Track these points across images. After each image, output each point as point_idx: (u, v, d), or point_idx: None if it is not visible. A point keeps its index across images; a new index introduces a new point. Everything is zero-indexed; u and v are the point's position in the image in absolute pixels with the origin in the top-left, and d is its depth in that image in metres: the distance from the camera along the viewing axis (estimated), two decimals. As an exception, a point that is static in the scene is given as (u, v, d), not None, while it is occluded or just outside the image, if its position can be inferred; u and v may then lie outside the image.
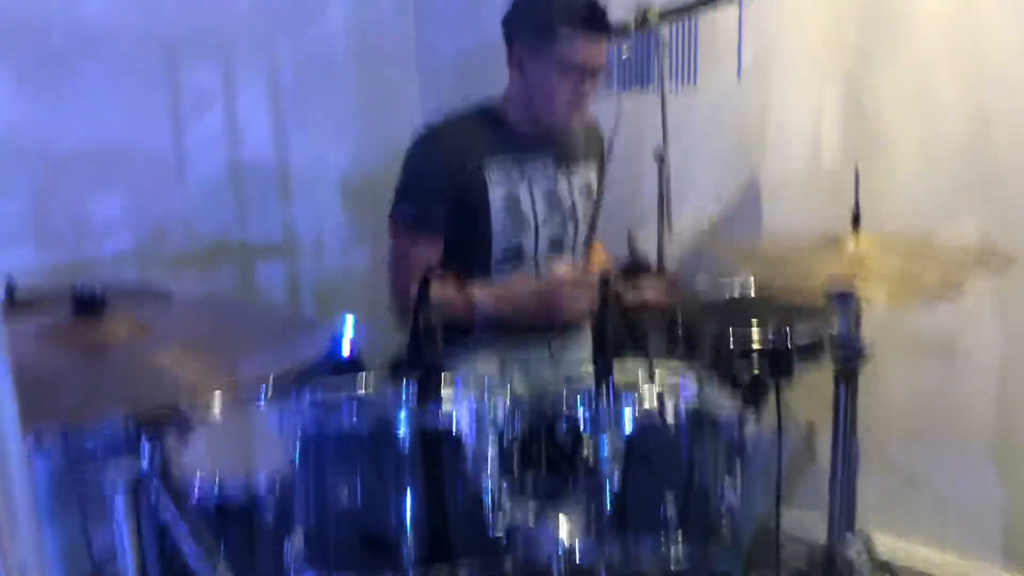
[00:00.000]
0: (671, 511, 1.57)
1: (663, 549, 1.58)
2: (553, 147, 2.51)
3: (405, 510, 1.54)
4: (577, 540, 1.52)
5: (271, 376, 1.51)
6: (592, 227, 2.68)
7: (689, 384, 1.66)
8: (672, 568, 1.58)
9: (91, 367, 1.46)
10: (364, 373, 1.78)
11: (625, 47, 2.77)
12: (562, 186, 2.52)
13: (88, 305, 1.50)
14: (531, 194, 2.47)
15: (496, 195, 2.42)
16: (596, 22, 2.34)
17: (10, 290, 2.15)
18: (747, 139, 2.98)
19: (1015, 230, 2.47)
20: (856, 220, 2.15)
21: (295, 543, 1.60)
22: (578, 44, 2.33)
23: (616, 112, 2.62)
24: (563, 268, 2.38)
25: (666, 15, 2.62)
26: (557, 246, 2.53)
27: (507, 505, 1.56)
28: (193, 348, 1.54)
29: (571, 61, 2.33)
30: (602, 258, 2.76)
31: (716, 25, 2.77)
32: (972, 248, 2.27)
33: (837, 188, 2.27)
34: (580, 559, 1.55)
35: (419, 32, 3.64)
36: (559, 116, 2.42)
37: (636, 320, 2.24)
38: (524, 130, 2.47)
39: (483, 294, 2.39)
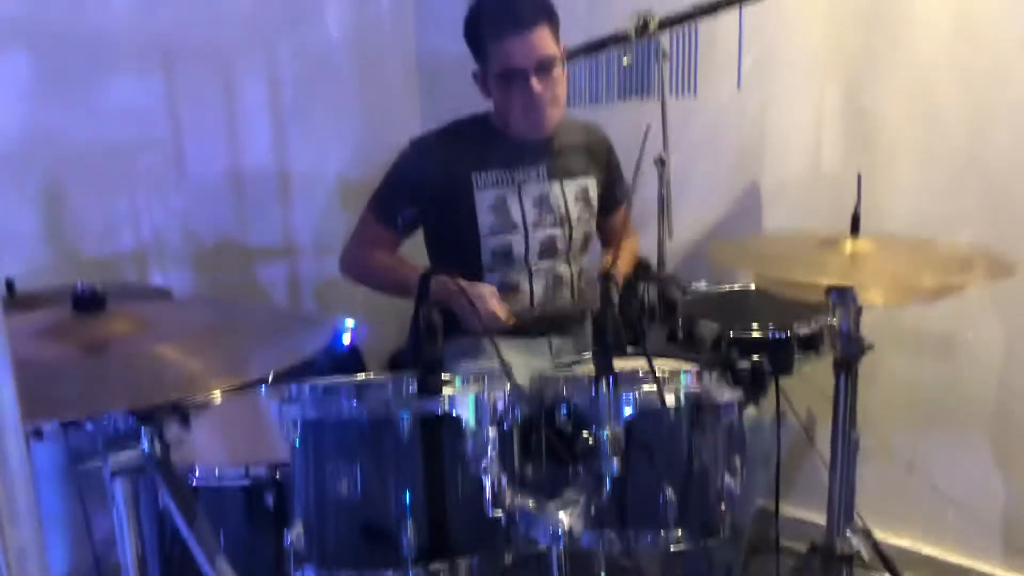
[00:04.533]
0: (671, 499, 1.57)
1: (663, 536, 1.58)
2: (546, 154, 2.52)
3: (405, 499, 1.54)
4: (577, 527, 1.52)
5: (271, 371, 1.51)
6: (611, 227, 2.71)
7: (689, 375, 1.66)
8: (671, 555, 1.58)
9: (91, 364, 1.46)
10: (363, 375, 1.79)
11: (626, 56, 2.77)
12: (555, 192, 2.53)
13: (88, 303, 1.50)
14: (520, 199, 2.48)
15: (483, 200, 2.45)
16: (523, 22, 2.31)
17: (10, 288, 2.16)
18: (747, 145, 2.98)
19: (1015, 234, 2.47)
20: (855, 225, 2.15)
21: (294, 532, 1.60)
22: (510, 50, 2.31)
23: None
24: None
25: (666, 23, 2.63)
26: (549, 251, 2.54)
27: (507, 492, 1.55)
28: (193, 344, 1.54)
29: (509, 69, 2.33)
30: (632, 254, 2.75)
31: (716, 32, 2.77)
32: (972, 255, 2.27)
33: (837, 193, 2.27)
34: (580, 546, 1.55)
35: (419, 35, 3.66)
36: (524, 124, 2.41)
37: (636, 316, 2.27)
38: (515, 138, 2.47)
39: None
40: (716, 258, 2.47)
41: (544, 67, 2.34)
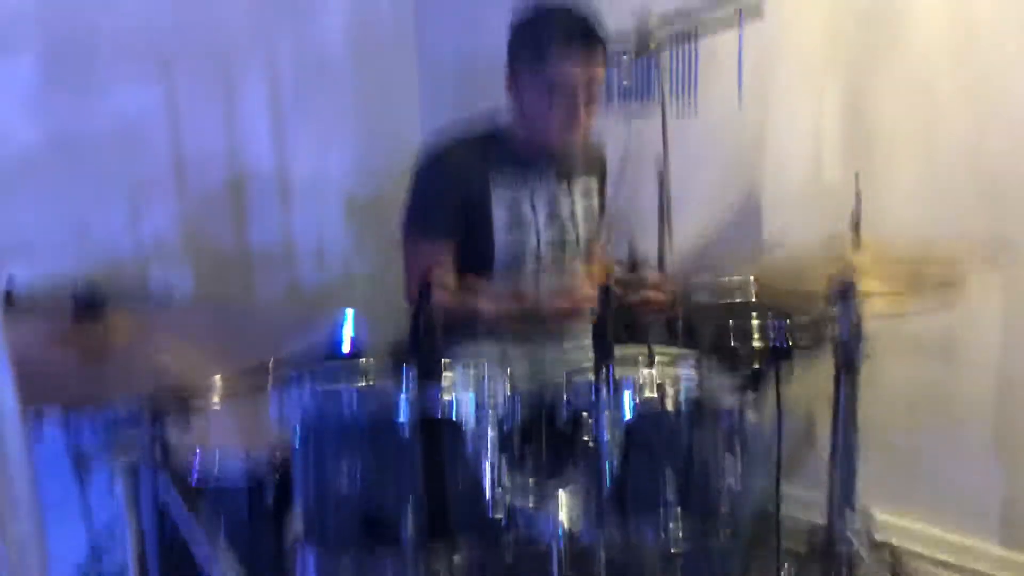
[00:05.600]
0: (671, 494, 1.57)
1: (663, 531, 1.58)
2: (555, 163, 2.52)
3: (405, 498, 1.53)
4: (577, 522, 1.52)
5: (271, 367, 1.52)
6: (596, 239, 2.69)
7: (689, 370, 1.66)
8: (672, 550, 1.58)
9: (91, 366, 1.47)
10: (364, 360, 1.78)
11: (625, 72, 2.78)
12: (563, 200, 2.54)
13: (88, 306, 1.50)
14: (533, 207, 2.49)
15: (499, 208, 2.45)
16: (584, 38, 2.33)
17: (10, 292, 2.16)
18: (747, 152, 2.99)
19: (1014, 234, 2.48)
20: (856, 229, 2.16)
21: (295, 525, 1.60)
22: (569, 64, 2.32)
23: (625, 139, 2.62)
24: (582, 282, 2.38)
25: (665, 42, 2.64)
26: (559, 259, 2.54)
27: (507, 488, 1.55)
28: (192, 344, 1.55)
29: (563, 82, 2.32)
30: (604, 264, 2.76)
31: (716, 43, 2.78)
32: (972, 250, 2.27)
33: (837, 199, 2.27)
34: (580, 541, 1.55)
35: (420, 37, 3.67)
36: (556, 138, 2.41)
37: (636, 317, 2.27)
38: (527, 147, 2.48)
39: (492, 296, 2.42)
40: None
41: (593, 91, 2.38)
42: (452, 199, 2.43)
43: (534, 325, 2.46)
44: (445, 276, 2.41)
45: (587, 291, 2.34)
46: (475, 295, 2.40)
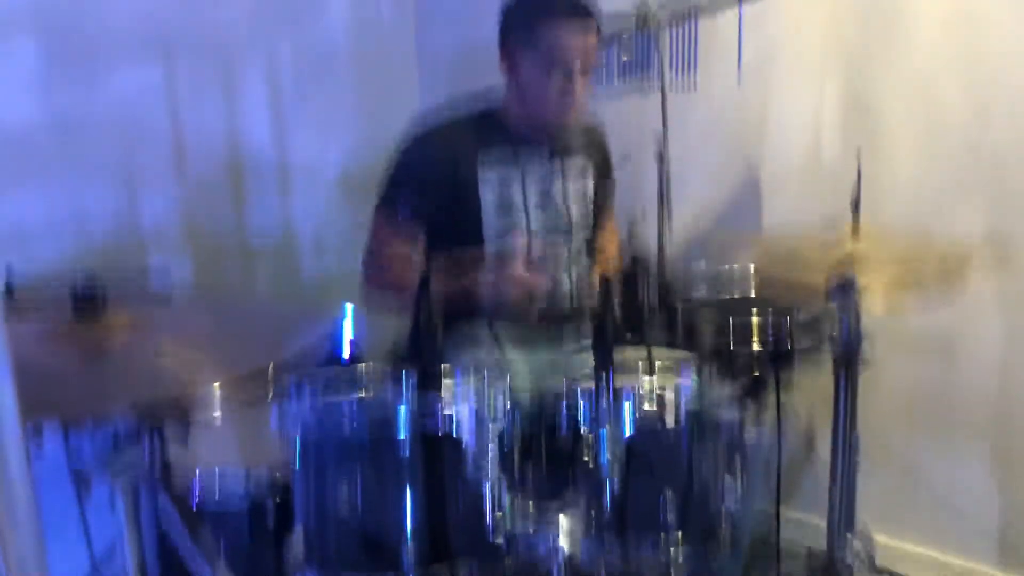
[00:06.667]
0: (671, 513, 1.57)
1: (663, 552, 1.58)
2: (550, 145, 2.51)
3: (405, 513, 1.54)
4: (577, 543, 1.52)
5: (271, 369, 1.51)
6: (598, 225, 2.68)
7: (688, 377, 1.65)
8: (672, 571, 1.58)
9: (91, 364, 1.46)
10: (363, 364, 1.78)
11: (625, 50, 2.76)
12: (556, 184, 2.53)
13: (87, 304, 1.50)
14: (524, 191, 2.48)
15: (487, 191, 2.44)
16: (580, 11, 2.35)
17: (9, 287, 2.15)
18: (747, 137, 2.98)
19: (1014, 226, 2.47)
20: (856, 208, 2.14)
21: (294, 543, 1.60)
22: (563, 35, 2.33)
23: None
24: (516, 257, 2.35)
25: (666, 19, 2.63)
26: (551, 241, 2.53)
27: (507, 507, 1.55)
28: (192, 343, 1.54)
29: (558, 53, 2.33)
30: (613, 251, 2.75)
31: (717, 24, 2.76)
32: (971, 246, 2.26)
33: (837, 186, 2.26)
34: (580, 562, 1.55)
35: (419, 29, 3.66)
36: (553, 112, 2.41)
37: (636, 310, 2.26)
38: (521, 128, 2.47)
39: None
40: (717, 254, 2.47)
41: (588, 62, 2.37)
42: (429, 183, 2.43)
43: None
44: (405, 258, 2.42)
45: (529, 280, 2.27)
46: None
